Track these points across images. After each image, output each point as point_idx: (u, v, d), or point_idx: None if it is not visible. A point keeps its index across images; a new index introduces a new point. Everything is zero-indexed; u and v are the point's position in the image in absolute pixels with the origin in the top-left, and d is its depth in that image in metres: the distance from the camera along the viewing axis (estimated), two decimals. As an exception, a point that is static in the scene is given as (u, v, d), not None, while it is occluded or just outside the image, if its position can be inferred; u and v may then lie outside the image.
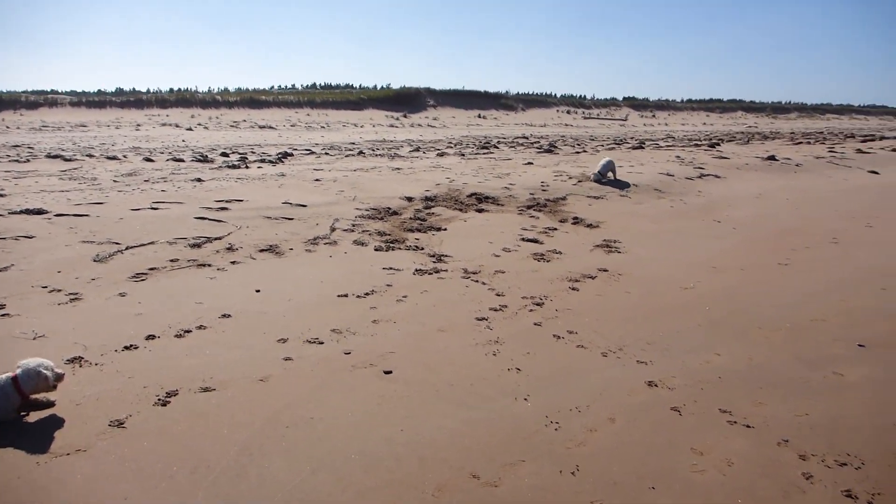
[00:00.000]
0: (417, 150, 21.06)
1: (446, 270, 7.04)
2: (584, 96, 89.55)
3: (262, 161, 15.52)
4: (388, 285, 6.46)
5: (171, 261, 6.91)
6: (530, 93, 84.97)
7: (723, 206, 11.33)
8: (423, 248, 7.88)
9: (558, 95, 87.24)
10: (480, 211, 9.99)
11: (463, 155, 18.18)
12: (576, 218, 9.76)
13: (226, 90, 73.24)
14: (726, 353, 5.12)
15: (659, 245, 8.60)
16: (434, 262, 7.36)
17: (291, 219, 8.84)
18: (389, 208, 9.77)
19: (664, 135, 37.51)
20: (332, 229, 8.46)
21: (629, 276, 7.15)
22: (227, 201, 9.53)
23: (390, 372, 4.60)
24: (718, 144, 23.69)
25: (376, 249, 7.73)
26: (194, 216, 8.58)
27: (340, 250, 7.66)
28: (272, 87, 79.98)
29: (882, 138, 30.37)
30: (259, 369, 4.56)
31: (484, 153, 19.51)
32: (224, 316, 5.48)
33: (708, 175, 14.27)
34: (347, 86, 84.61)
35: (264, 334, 5.16)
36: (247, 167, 14.23)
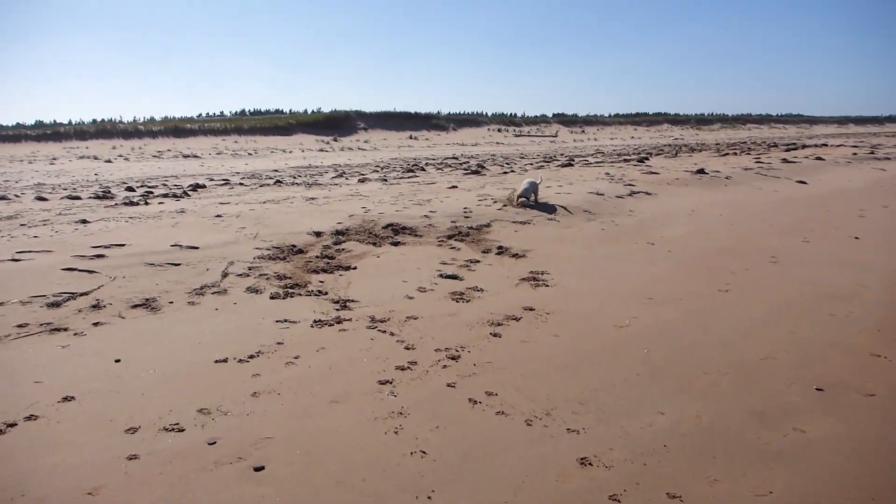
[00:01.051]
0: (341, 175, 20.20)
1: (350, 320, 6.13)
2: (515, 114, 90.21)
3: (167, 195, 14.32)
4: (278, 343, 5.51)
5: (19, 326, 5.77)
6: (462, 112, 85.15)
7: (656, 226, 10.74)
8: (326, 293, 6.94)
9: (490, 114, 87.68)
10: (396, 244, 9.10)
11: (385, 180, 17.31)
12: (500, 247, 8.96)
13: (151, 119, 70.93)
14: (671, 411, 4.35)
15: (590, 274, 7.88)
16: (337, 309, 6.44)
17: (178, 264, 7.76)
18: (294, 246, 8.79)
19: (594, 150, 37.51)
20: (224, 275, 7.43)
21: (558, 315, 6.37)
22: (105, 247, 8.39)
23: (262, 468, 3.66)
24: (647, 159, 23.49)
25: (272, 297, 6.75)
26: (62, 267, 7.42)
27: (230, 300, 6.65)
28: (200, 114, 77.85)
29: (803, 146, 30.94)
30: (90, 476, 3.57)
31: (409, 177, 18.71)
32: (65, 399, 4.44)
33: (639, 192, 13.74)
34: (277, 111, 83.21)
35: (110, 422, 4.15)
36: (146, 203, 13.03)
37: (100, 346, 5.43)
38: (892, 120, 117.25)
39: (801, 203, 13.93)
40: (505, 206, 11.58)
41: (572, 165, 21.02)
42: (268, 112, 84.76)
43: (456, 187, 14.60)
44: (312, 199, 13.04)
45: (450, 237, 9.50)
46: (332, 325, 5.99)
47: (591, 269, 8.12)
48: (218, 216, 10.68)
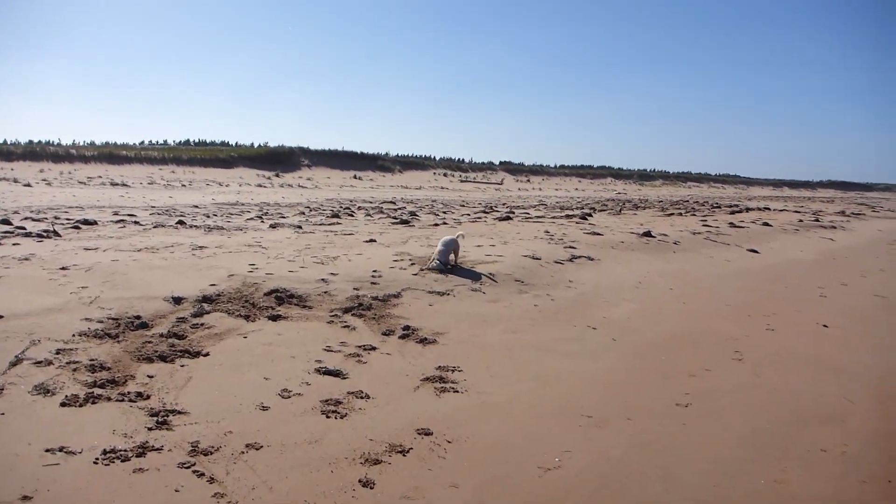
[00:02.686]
0: (259, 217, 18.33)
1: (160, 449, 4.19)
2: (463, 159, 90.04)
3: (30, 235, 12.08)
4: (26, 500, 3.54)
5: None
6: (409, 154, 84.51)
7: (598, 303, 9.07)
8: (147, 397, 4.98)
9: (437, 158, 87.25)
10: (276, 318, 7.18)
11: (300, 227, 15.36)
12: (407, 328, 7.13)
13: (91, 143, 67.87)
14: None
15: (514, 373, 6.10)
16: (151, 427, 4.49)
17: (-42, 344, 5.70)
18: (138, 317, 6.78)
19: (537, 201, 36.39)
20: (14, 362, 5.39)
21: (464, 445, 4.59)
22: None
23: None
24: (590, 215, 22.15)
25: (64, 403, 4.75)
26: None
27: (1, 406, 4.62)
28: (143, 142, 75.36)
29: (747, 209, 30.23)
30: None
31: (329, 223, 16.89)
32: None
33: (580, 257, 12.12)
34: (223, 143, 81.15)
35: None
36: (-4, 244, 10.80)
37: None
38: (823, 185, 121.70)
39: (757, 276, 12.55)
40: (423, 269, 9.77)
41: (511, 219, 19.46)
42: (213, 143, 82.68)
43: (374, 241, 12.75)
44: (201, 247, 11.02)
45: (347, 310, 7.63)
46: (129, 458, 4.05)
47: (517, 365, 6.34)
48: (64, 268, 8.57)
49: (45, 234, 12.27)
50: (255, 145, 76.10)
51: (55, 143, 66.65)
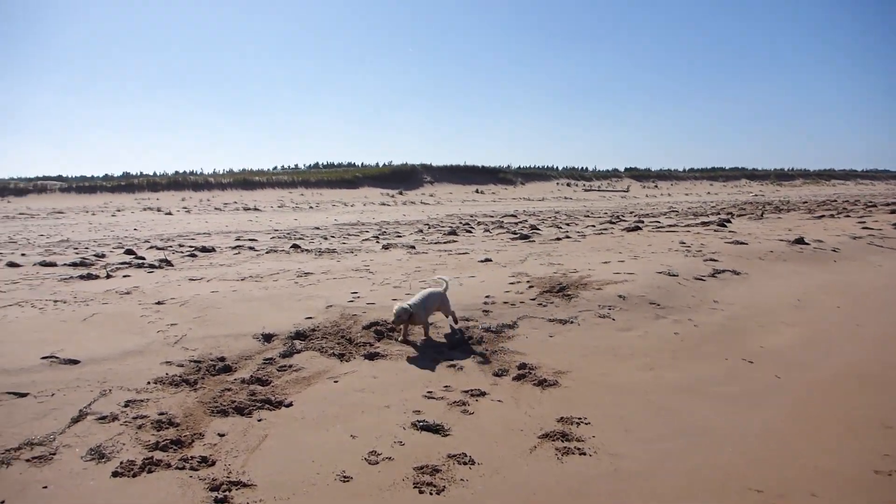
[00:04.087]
0: (376, 237, 17.81)
1: (211, 540, 3.36)
2: (586, 168, 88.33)
3: (143, 266, 12.00)
4: None
5: None
6: (531, 166, 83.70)
7: (752, 328, 7.62)
8: (213, 462, 4.20)
9: (559, 168, 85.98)
10: (373, 357, 6.32)
11: (413, 247, 14.62)
12: (523, 366, 6.06)
13: (229, 171, 71.82)
14: None
15: (655, 427, 4.89)
16: (213, 497, 3.68)
17: (24, 394, 5.18)
18: (223, 359, 6.12)
19: (667, 207, 34.22)
20: (76, 419, 4.80)
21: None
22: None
23: None
24: (729, 221, 20.17)
25: (116, 474, 4.04)
26: None
27: (37, 481, 3.96)
28: (275, 167, 78.97)
29: (908, 207, 26.87)
30: None
31: (446, 241, 16.10)
32: None
33: (724, 271, 10.58)
34: (350, 164, 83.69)
35: None
36: (108, 276, 10.69)
37: None
38: None
39: (944, 287, 10.52)
40: (545, 291, 8.66)
41: (640, 229, 17.91)
42: (340, 165, 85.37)
43: (490, 260, 11.75)
44: (306, 274, 10.44)
45: (454, 346, 6.67)
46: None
47: (658, 414, 5.12)
48: (159, 303, 8.16)
49: (158, 264, 12.15)
50: (380, 164, 77.58)
51: (196, 173, 70.80)
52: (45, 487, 3.86)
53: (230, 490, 3.85)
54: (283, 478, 4.02)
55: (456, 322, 7.33)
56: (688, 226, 19.01)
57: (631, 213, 29.61)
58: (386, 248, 14.76)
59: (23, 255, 14.90)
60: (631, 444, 4.57)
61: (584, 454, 4.41)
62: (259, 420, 4.88)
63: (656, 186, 75.25)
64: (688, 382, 5.80)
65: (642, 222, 20.98)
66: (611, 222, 21.99)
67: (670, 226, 19.42)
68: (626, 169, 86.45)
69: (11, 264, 12.69)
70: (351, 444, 4.50)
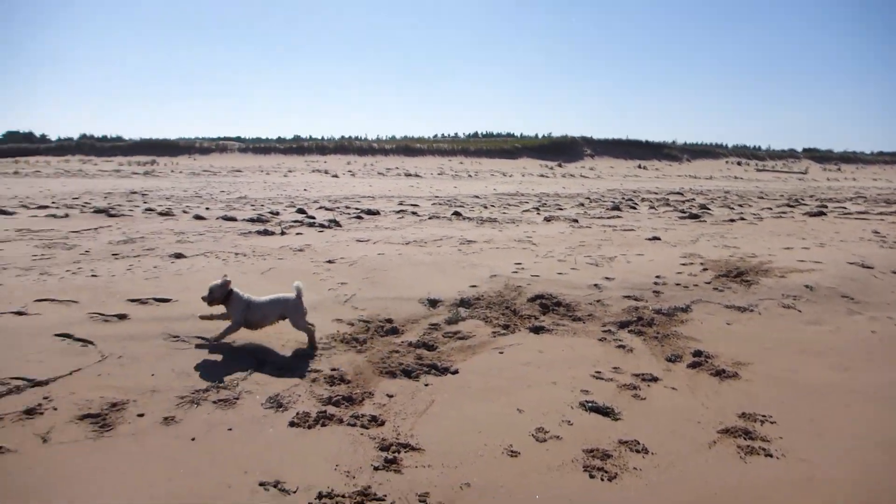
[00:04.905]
0: (537, 208, 17.62)
1: (382, 499, 3.38)
2: (759, 147, 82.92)
3: (314, 225, 12.54)
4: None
5: None
6: (698, 143, 79.78)
7: (967, 332, 6.73)
8: (382, 423, 4.24)
9: (729, 146, 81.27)
10: (538, 330, 6.17)
11: (576, 221, 14.26)
12: (698, 353, 5.68)
13: (391, 138, 74.23)
14: None
15: (853, 435, 4.39)
16: (377, 466, 3.71)
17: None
18: (390, 321, 6.21)
19: (853, 192, 31.38)
20: (257, 367, 5.03)
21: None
22: (141, 302, 6.40)
23: None
24: (931, 211, 18.09)
25: (293, 423, 4.18)
26: (58, 332, 5.46)
27: (223, 423, 4.17)
28: (435, 135, 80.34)
29: None
30: None
31: (609, 216, 15.59)
32: None
33: (929, 266, 9.45)
34: (508, 134, 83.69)
35: None
36: (282, 234, 11.26)
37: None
38: None
39: None
40: (721, 275, 8.12)
41: (824, 215, 16.46)
42: (498, 135, 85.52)
43: (658, 239, 11.21)
44: (469, 241, 10.45)
45: (623, 325, 6.37)
46: (342, 506, 3.28)
47: (853, 422, 4.60)
48: (330, 261, 8.46)
49: (327, 224, 12.64)
50: (539, 136, 76.74)
51: (361, 138, 73.42)
52: (230, 430, 4.05)
53: (399, 452, 3.86)
54: (451, 446, 3.98)
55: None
56: (881, 214, 17.26)
57: (811, 196, 27.39)
58: (548, 220, 14.52)
59: (207, 209, 16.06)
60: (824, 451, 4.13)
61: (771, 456, 4.03)
62: (426, 385, 4.88)
63: (839, 169, 69.27)
64: (889, 388, 5.19)
65: (826, 207, 19.31)
66: (789, 205, 20.43)
67: (859, 213, 17.72)
68: (804, 150, 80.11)
69: (198, 217, 13.71)
70: (518, 419, 4.39)
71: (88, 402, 4.30)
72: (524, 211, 17.14)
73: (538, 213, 16.24)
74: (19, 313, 5.93)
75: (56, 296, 6.53)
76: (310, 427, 4.13)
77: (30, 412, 4.13)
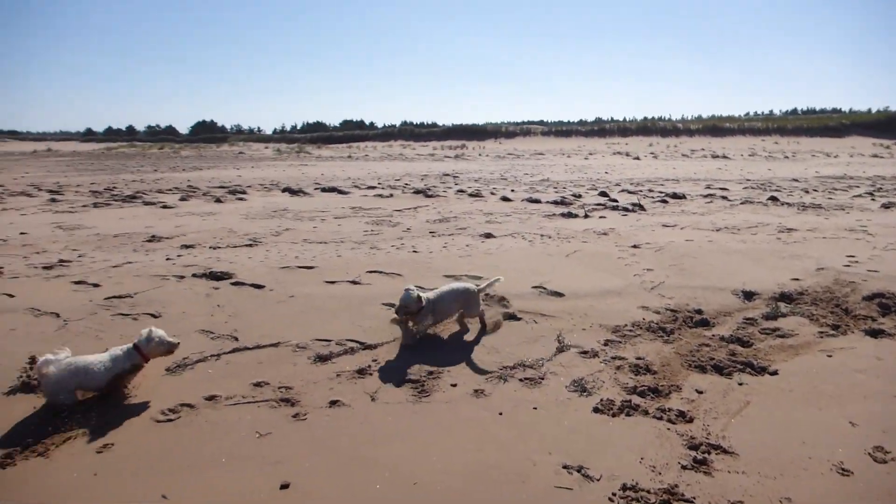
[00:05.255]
0: (871, 193, 15.56)
1: (690, 502, 3.22)
2: None
3: (617, 207, 12.36)
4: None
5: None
6: None
7: None
8: (691, 419, 4.04)
9: None
10: (876, 334, 5.39)
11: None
12: None
13: (693, 118, 71.18)
14: None
15: None
16: (684, 465, 3.54)
17: (518, 318, 5.70)
18: (700, 311, 5.88)
19: None
20: (561, 348, 5.09)
21: None
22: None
23: None
24: None
25: (598, 409, 4.15)
26: (385, 301, 6.05)
27: (536, 399, 4.29)
28: (746, 113, 75.34)
29: None
30: None
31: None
32: None
33: None
34: (834, 110, 75.42)
35: None
36: (586, 216, 11.28)
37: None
38: None
39: None
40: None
41: None
42: (822, 111, 77.36)
43: None
44: (789, 230, 9.51)
45: None
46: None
47: None
48: (635, 246, 8.27)
49: (631, 207, 12.40)
50: (872, 110, 67.46)
51: (664, 119, 71.00)
52: (535, 409, 4.15)
53: (709, 453, 3.63)
54: (768, 453, 3.64)
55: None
56: None
57: None
58: (886, 207, 12.68)
59: (512, 191, 16.71)
60: None
61: None
62: (740, 384, 4.54)
63: None
64: None
65: None
66: None
67: None
68: None
69: (504, 199, 14.31)
70: (851, 433, 3.88)
71: (410, 368, 4.71)
72: (854, 196, 15.14)
73: (872, 199, 14.24)
74: (354, 282, 6.71)
75: (384, 268, 7.28)
76: (614, 415, 4.07)
77: (361, 372, 4.65)
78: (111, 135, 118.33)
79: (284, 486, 3.31)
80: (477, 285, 5.55)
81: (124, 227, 10.92)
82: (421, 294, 5.18)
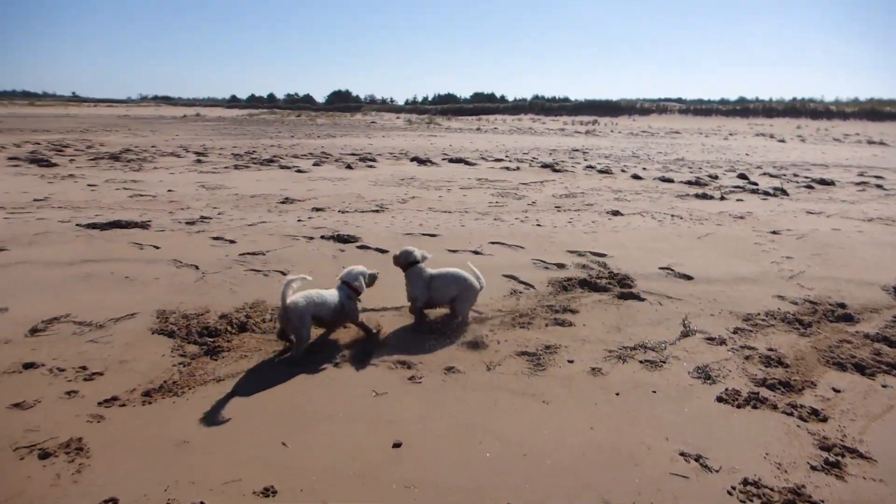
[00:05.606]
0: None
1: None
2: None
3: (757, 191, 11.69)
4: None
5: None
6: None
7: None
8: (825, 418, 3.76)
9: None
10: None
11: None
12: None
13: (848, 100, 66.39)
14: None
15: None
16: (814, 465, 3.31)
17: (643, 300, 5.51)
18: (843, 305, 5.45)
19: None
20: (686, 333, 4.88)
21: None
22: (578, 253, 6.66)
23: None
24: None
25: (722, 398, 3.95)
26: (505, 273, 6.01)
27: (656, 382, 4.14)
28: (916, 95, 69.21)
29: None
30: None
31: None
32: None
33: None
34: None
35: None
36: (722, 199, 10.75)
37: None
38: None
39: None
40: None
41: None
42: None
43: None
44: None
45: None
46: (774, 505, 3.01)
47: None
48: (775, 232, 7.80)
49: (772, 192, 11.69)
50: None
51: (815, 100, 66.43)
52: (654, 392, 4.00)
53: (843, 456, 3.37)
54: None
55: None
56: None
57: None
58: None
59: (644, 169, 16.17)
60: None
61: None
62: (884, 386, 4.18)
63: None
64: None
65: None
66: None
67: None
68: None
69: (635, 177, 13.87)
70: None
71: (526, 342, 4.66)
72: None
73: None
74: (476, 252, 6.71)
75: (506, 240, 7.24)
76: (739, 406, 3.86)
77: (476, 341, 4.65)
78: (253, 102, 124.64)
79: (396, 445, 3.36)
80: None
81: (261, 189, 11.46)
82: (422, 254, 5.10)
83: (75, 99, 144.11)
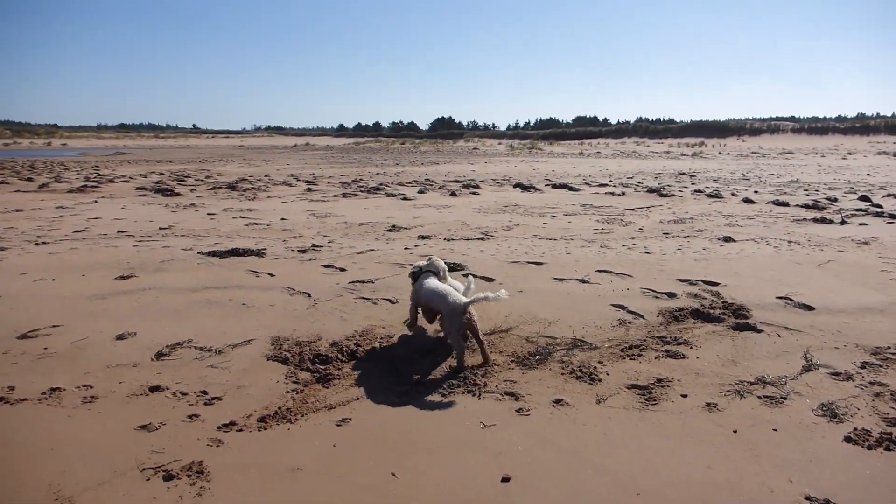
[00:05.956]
0: None
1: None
2: None
3: (881, 213, 11.03)
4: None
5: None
6: None
7: None
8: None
9: None
10: None
11: None
12: None
13: None
14: None
15: None
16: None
17: (760, 331, 5.30)
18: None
19: None
20: (807, 367, 4.65)
21: None
22: (690, 282, 6.47)
23: None
24: None
25: (849, 440, 3.73)
26: (613, 302, 5.91)
27: (776, 420, 3.97)
28: None
29: None
30: None
31: None
32: None
33: None
34: None
35: None
36: (843, 223, 10.20)
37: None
38: None
39: None
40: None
41: None
42: None
43: None
44: None
45: None
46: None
47: None
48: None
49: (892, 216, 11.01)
50: None
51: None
52: (775, 430, 3.82)
53: None
54: None
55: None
56: None
57: None
58: None
59: (756, 192, 15.58)
60: None
61: None
62: None
63: None
64: None
65: None
66: None
67: None
68: None
69: (747, 200, 13.38)
70: None
71: (637, 374, 4.57)
72: None
73: None
74: (583, 281, 6.65)
75: (613, 268, 7.13)
76: (870, 448, 3.63)
77: (585, 373, 4.59)
78: (360, 130, 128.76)
79: (506, 480, 3.36)
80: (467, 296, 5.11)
81: (368, 217, 11.80)
82: (425, 268, 5.37)
83: (195, 131, 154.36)
